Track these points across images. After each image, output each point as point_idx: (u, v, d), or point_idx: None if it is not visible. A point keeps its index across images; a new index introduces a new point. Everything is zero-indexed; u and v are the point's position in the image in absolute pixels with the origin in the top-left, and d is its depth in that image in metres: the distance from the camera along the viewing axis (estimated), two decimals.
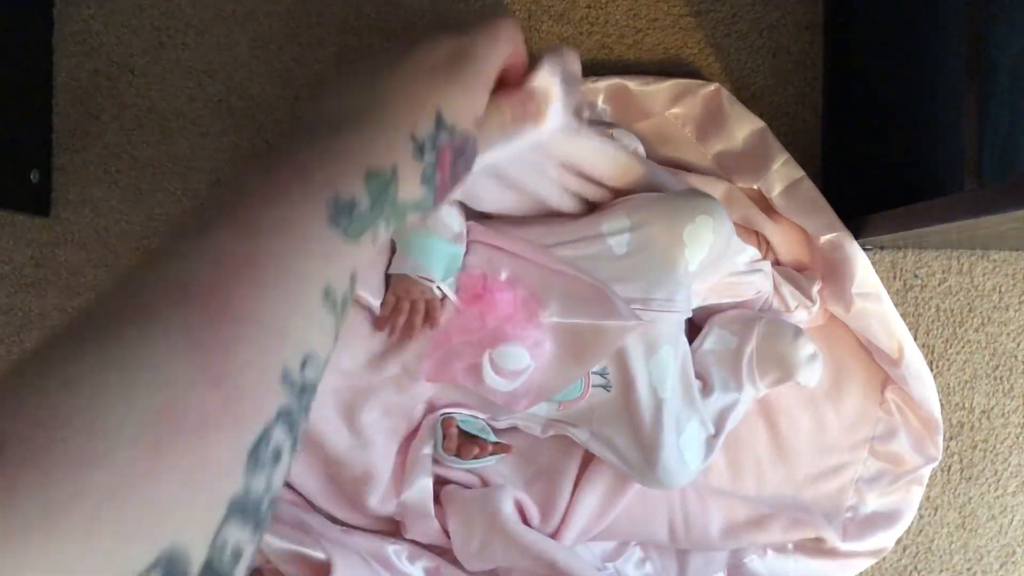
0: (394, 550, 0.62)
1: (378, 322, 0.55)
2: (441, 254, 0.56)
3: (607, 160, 0.61)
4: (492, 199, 0.61)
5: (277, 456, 0.28)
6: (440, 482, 0.63)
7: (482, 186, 0.60)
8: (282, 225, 0.31)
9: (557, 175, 0.62)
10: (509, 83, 0.44)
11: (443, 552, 0.64)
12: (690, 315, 0.62)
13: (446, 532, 0.62)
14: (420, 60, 0.38)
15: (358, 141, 0.35)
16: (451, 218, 0.58)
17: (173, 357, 0.26)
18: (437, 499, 0.62)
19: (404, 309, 0.55)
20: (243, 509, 0.26)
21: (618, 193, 0.66)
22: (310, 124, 0.35)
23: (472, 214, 0.63)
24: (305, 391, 0.29)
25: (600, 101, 0.70)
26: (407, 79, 0.37)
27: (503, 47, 0.41)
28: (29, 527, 0.21)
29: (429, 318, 0.56)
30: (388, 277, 0.58)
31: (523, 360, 0.57)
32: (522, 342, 0.56)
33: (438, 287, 0.56)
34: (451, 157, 0.39)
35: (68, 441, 0.23)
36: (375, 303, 0.55)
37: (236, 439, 0.26)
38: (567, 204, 0.63)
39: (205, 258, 0.29)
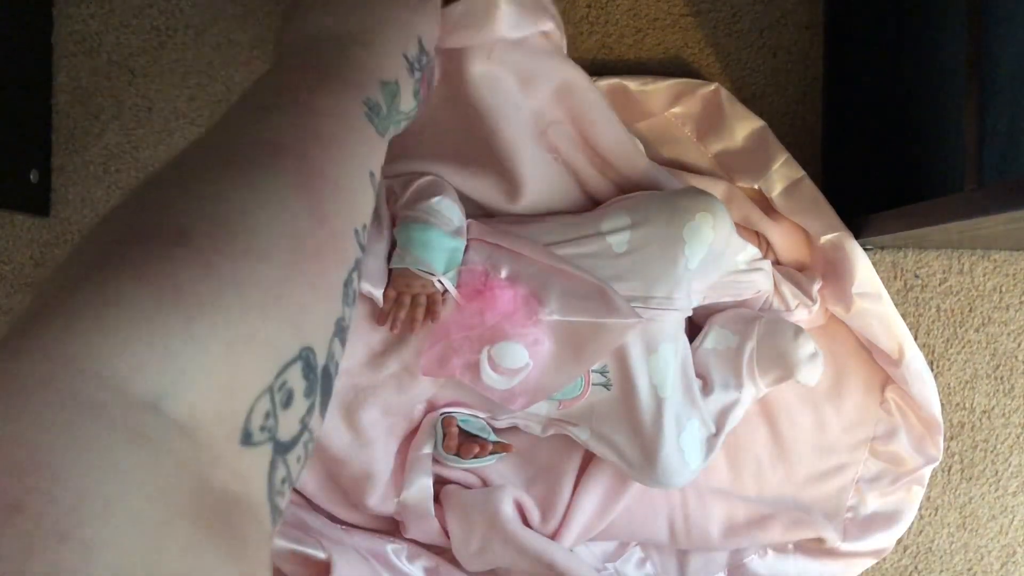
0: (393, 549, 0.62)
1: (379, 316, 0.55)
2: (442, 248, 0.56)
3: (616, 131, 0.63)
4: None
5: (354, 300, 0.32)
6: (440, 482, 0.63)
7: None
8: (335, 113, 0.35)
9: (566, 147, 0.62)
10: None
11: (442, 552, 0.64)
12: (690, 314, 0.62)
13: (446, 532, 0.62)
14: None
15: (373, 56, 0.41)
16: (452, 212, 0.58)
17: (288, 194, 0.29)
18: (437, 499, 0.62)
19: (405, 303, 0.55)
20: (341, 331, 0.30)
21: (618, 186, 0.66)
22: (315, 43, 0.40)
23: (472, 212, 0.63)
24: (360, 259, 0.33)
25: None
26: (395, 7, 0.43)
27: None
28: (220, 301, 0.24)
29: (430, 312, 0.56)
30: (389, 272, 0.57)
31: (521, 358, 0.57)
32: (521, 340, 0.56)
33: (439, 281, 0.56)
34: (428, 76, 0.46)
35: (239, 236, 0.26)
36: (377, 293, 0.55)
37: (336, 271, 0.30)
38: (567, 191, 0.63)
39: (275, 125, 0.32)
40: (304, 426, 0.27)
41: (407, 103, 0.43)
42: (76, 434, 0.19)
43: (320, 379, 0.28)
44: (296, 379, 0.27)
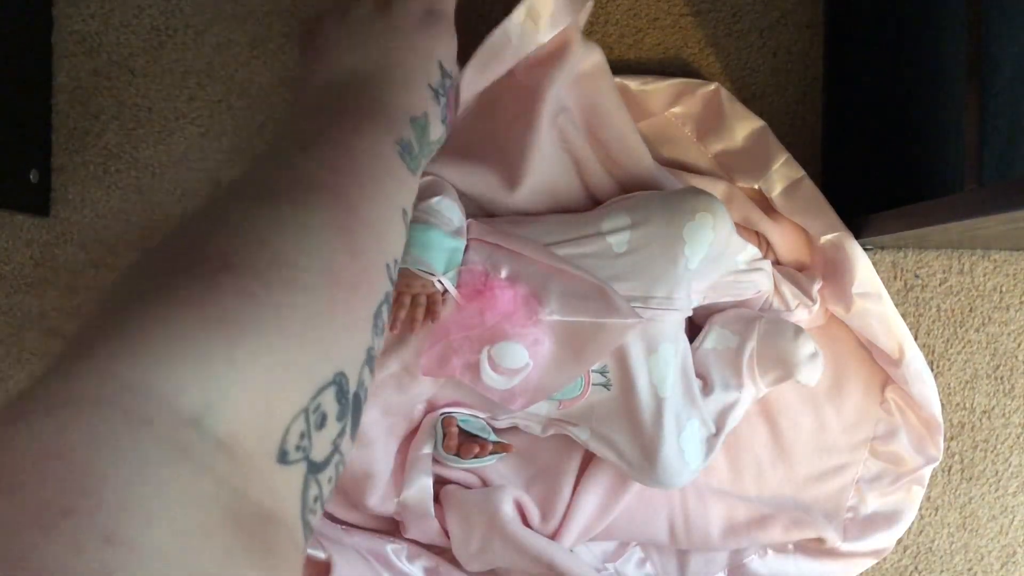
0: (393, 549, 0.62)
1: None
2: (442, 247, 0.56)
3: (625, 126, 0.64)
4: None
5: (382, 330, 0.34)
6: (440, 482, 0.63)
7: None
8: (370, 154, 0.37)
9: (573, 136, 0.63)
10: None
11: (442, 552, 0.64)
12: (690, 314, 0.62)
13: (446, 532, 0.62)
14: (408, 18, 0.44)
15: (400, 94, 0.41)
16: (452, 212, 0.58)
17: (327, 230, 0.31)
18: (437, 499, 0.62)
19: (405, 303, 0.55)
20: (371, 360, 0.32)
21: (619, 182, 0.66)
22: (338, 89, 0.41)
23: (470, 210, 0.63)
24: (390, 292, 0.34)
25: None
26: (411, 36, 0.43)
27: None
28: (260, 327, 0.26)
29: (430, 312, 0.56)
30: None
31: (521, 358, 0.57)
32: (521, 340, 0.56)
33: (439, 281, 0.56)
34: (453, 98, 0.46)
35: (280, 268, 0.28)
36: None
37: (367, 303, 0.32)
38: (567, 182, 0.64)
39: (318, 164, 0.34)
40: (336, 448, 0.29)
41: (436, 132, 0.44)
42: (124, 447, 0.21)
43: (352, 404, 0.30)
44: (330, 403, 0.28)
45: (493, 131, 0.66)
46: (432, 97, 0.43)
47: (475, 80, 0.61)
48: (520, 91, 0.64)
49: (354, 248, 0.32)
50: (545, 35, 0.61)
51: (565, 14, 0.61)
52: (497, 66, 0.61)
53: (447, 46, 0.46)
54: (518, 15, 0.59)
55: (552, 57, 0.63)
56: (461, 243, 0.58)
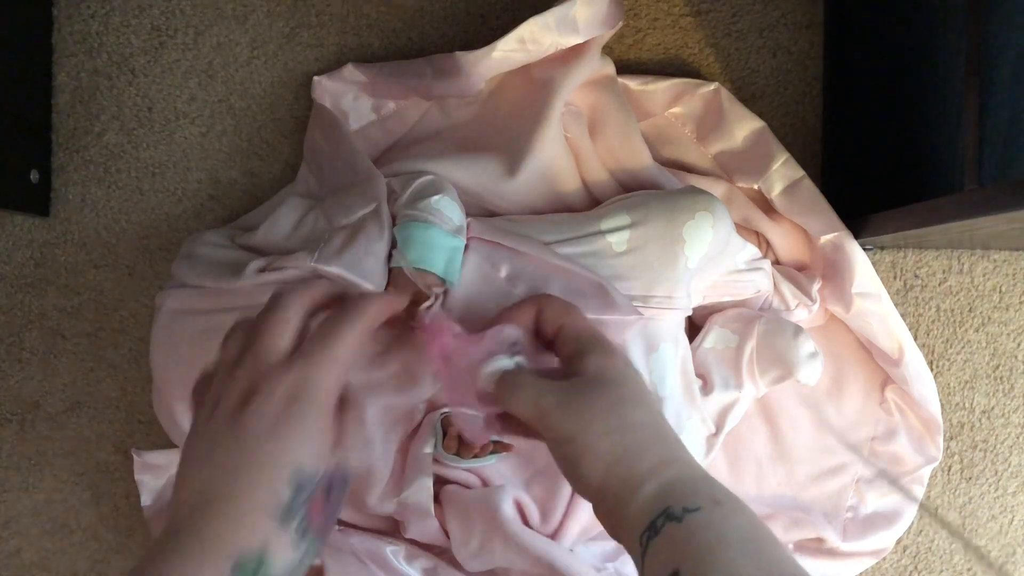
0: (392, 550, 0.62)
1: None
2: (442, 247, 0.56)
3: (627, 124, 0.65)
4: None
5: None
6: (440, 482, 0.63)
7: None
8: None
9: (575, 128, 0.64)
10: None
11: (442, 552, 0.64)
12: (690, 313, 0.62)
13: (445, 532, 0.62)
14: (263, 420, 0.39)
15: (224, 530, 0.37)
16: (452, 211, 0.58)
17: None
18: (437, 499, 0.62)
19: (405, 303, 0.55)
20: None
21: (618, 180, 0.66)
22: (184, 515, 0.38)
23: (471, 209, 0.63)
24: None
25: None
26: (261, 445, 0.39)
27: (344, 351, 0.42)
28: None
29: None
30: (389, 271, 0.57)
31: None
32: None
33: (440, 288, 0.56)
34: (322, 498, 0.40)
35: None
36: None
37: None
38: (566, 174, 0.64)
39: None
40: None
41: (285, 558, 0.38)
42: None
43: None
44: None
45: (499, 122, 0.66)
46: (278, 519, 0.38)
47: (511, 53, 0.63)
48: (533, 84, 0.65)
49: None
50: (578, 37, 0.63)
51: (599, 25, 0.64)
52: (533, 47, 0.63)
53: (307, 442, 0.40)
54: (573, 5, 0.61)
55: (569, 56, 0.64)
56: (461, 242, 0.58)
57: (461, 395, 0.51)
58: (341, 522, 0.64)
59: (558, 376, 0.47)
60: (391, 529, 0.65)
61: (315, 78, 0.70)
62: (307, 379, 0.41)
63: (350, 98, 0.71)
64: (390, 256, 0.57)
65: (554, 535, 0.62)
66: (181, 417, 0.58)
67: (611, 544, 0.68)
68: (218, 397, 0.41)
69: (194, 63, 0.74)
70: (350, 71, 0.70)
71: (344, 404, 0.43)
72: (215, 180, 0.74)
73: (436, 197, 0.57)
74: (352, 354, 0.43)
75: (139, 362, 0.74)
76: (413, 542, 0.64)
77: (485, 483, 0.63)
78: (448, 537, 0.62)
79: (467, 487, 0.63)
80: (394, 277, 0.56)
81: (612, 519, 0.43)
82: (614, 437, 0.43)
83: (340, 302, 0.45)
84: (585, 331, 0.49)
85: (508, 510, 0.60)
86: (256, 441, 0.39)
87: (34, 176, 0.72)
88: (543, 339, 0.51)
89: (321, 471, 0.40)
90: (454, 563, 0.64)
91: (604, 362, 0.46)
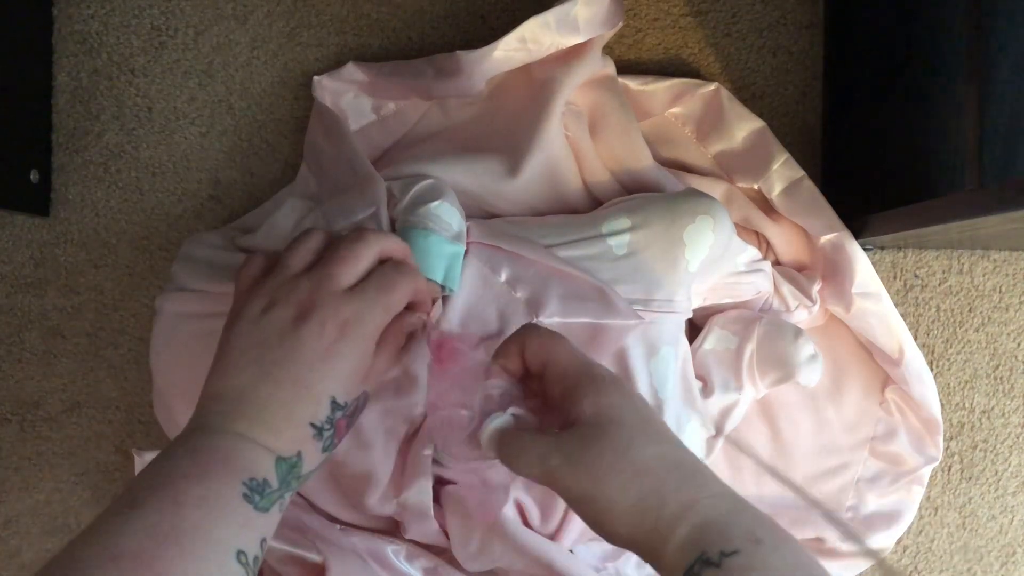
0: (393, 550, 0.62)
1: None
2: (441, 254, 0.56)
3: (628, 124, 0.66)
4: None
5: None
6: (440, 482, 0.63)
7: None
8: (203, 501, 0.38)
9: (576, 128, 0.64)
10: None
11: (442, 552, 0.64)
12: (690, 315, 0.62)
13: (445, 532, 0.62)
14: (315, 345, 0.43)
15: (268, 432, 0.42)
16: (451, 217, 0.58)
17: None
18: (437, 499, 0.62)
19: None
20: None
21: (618, 180, 0.66)
22: (222, 411, 0.42)
23: (471, 211, 0.63)
24: None
25: None
26: (309, 368, 0.43)
27: (397, 302, 0.48)
28: None
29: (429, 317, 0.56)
30: None
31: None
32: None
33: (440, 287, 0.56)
34: (346, 423, 0.46)
35: None
36: None
37: None
38: (567, 173, 0.64)
39: (135, 529, 0.36)
40: None
41: (312, 463, 0.44)
42: None
43: None
44: None
45: (499, 122, 0.66)
46: (313, 435, 0.43)
47: (512, 53, 0.63)
48: (533, 84, 0.65)
49: None
50: (578, 36, 0.63)
51: (599, 25, 0.64)
52: (534, 47, 0.63)
53: (349, 375, 0.45)
54: (573, 5, 0.61)
55: (570, 56, 0.64)
56: (461, 248, 0.58)
57: (457, 444, 0.53)
58: (342, 522, 0.64)
59: (557, 422, 0.46)
60: (392, 529, 0.65)
61: (315, 77, 0.70)
62: (362, 316, 0.45)
63: (350, 97, 0.71)
64: None
65: (554, 535, 0.62)
66: (181, 419, 0.58)
67: (611, 544, 0.68)
68: (274, 300, 0.45)
69: (194, 63, 0.74)
70: (350, 70, 0.70)
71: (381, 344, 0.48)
72: (215, 180, 0.74)
73: (435, 203, 0.57)
74: (402, 304, 0.48)
75: (139, 362, 0.74)
76: (414, 542, 0.64)
77: (485, 483, 0.63)
78: (448, 538, 0.62)
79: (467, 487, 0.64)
80: None
81: (653, 566, 0.42)
82: (631, 489, 0.41)
83: (405, 259, 0.50)
84: (571, 367, 0.46)
85: (508, 510, 0.60)
86: (308, 361, 0.43)
87: (34, 176, 0.72)
88: (533, 376, 0.49)
89: (353, 395, 0.46)
90: (454, 563, 0.64)
91: (599, 401, 0.44)
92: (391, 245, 0.50)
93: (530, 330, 0.49)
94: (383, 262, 0.49)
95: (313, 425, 0.43)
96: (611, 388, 0.45)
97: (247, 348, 0.44)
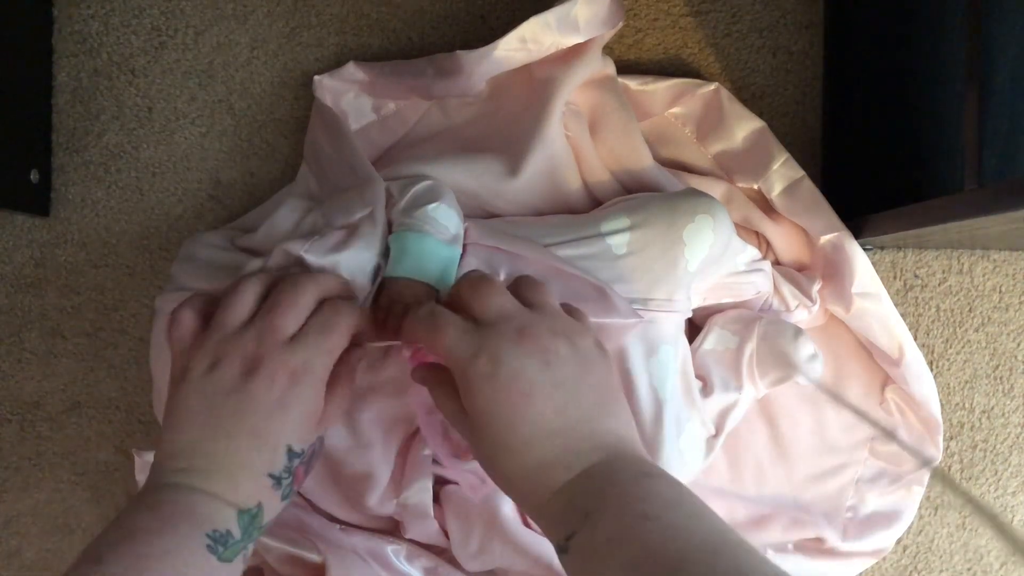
0: (393, 550, 0.62)
1: (371, 326, 0.54)
2: (437, 257, 0.56)
3: (628, 124, 0.66)
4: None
5: None
6: (440, 482, 0.63)
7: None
8: (167, 554, 0.38)
9: (576, 128, 0.64)
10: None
11: (442, 552, 0.64)
12: (690, 315, 0.62)
13: (445, 532, 0.62)
14: (266, 396, 0.44)
15: (227, 486, 0.42)
16: (448, 219, 0.57)
17: None
18: (437, 499, 0.62)
19: (397, 312, 0.55)
20: None
21: (618, 180, 0.66)
22: (180, 468, 0.43)
23: (470, 211, 0.63)
24: None
25: None
26: (263, 419, 0.44)
27: (339, 343, 0.47)
28: None
29: None
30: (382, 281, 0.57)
31: None
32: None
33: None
34: (304, 469, 0.47)
35: None
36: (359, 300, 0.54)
37: None
38: (567, 172, 0.64)
39: None
40: None
41: (272, 511, 0.45)
42: None
43: None
44: None
45: (500, 122, 0.67)
46: (272, 485, 0.44)
47: (512, 52, 0.63)
48: (533, 84, 0.65)
49: None
50: (579, 36, 0.63)
51: (600, 24, 0.64)
52: (534, 47, 0.63)
53: (303, 423, 0.45)
54: (573, 5, 0.62)
55: (570, 56, 0.64)
56: (457, 251, 0.57)
57: (434, 436, 0.56)
58: (342, 522, 0.64)
59: None
60: (392, 529, 0.65)
61: (316, 77, 0.70)
62: (309, 363, 0.45)
63: (350, 97, 0.71)
64: (383, 263, 0.56)
65: None
66: None
67: None
68: (219, 358, 0.45)
69: (194, 63, 0.74)
70: (351, 70, 0.70)
71: (331, 389, 0.48)
72: (215, 180, 0.74)
73: (433, 205, 0.57)
74: (346, 341, 0.48)
75: (139, 362, 0.74)
76: (414, 542, 0.64)
77: (485, 483, 0.63)
78: (448, 537, 0.62)
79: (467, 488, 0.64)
80: (387, 286, 0.55)
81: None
82: (506, 491, 0.46)
83: (347, 296, 0.50)
84: (451, 363, 0.45)
85: (508, 511, 0.60)
86: (259, 415, 0.43)
87: (34, 176, 0.72)
88: None
89: (308, 444, 0.46)
90: (454, 563, 0.64)
91: (470, 403, 0.44)
92: (328, 284, 0.49)
93: (409, 318, 0.48)
94: (323, 301, 0.49)
95: (271, 475, 0.44)
96: (482, 388, 0.43)
97: (198, 405, 0.44)
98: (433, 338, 0.45)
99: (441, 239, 0.56)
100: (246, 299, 0.47)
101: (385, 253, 0.57)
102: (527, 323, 0.45)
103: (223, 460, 0.43)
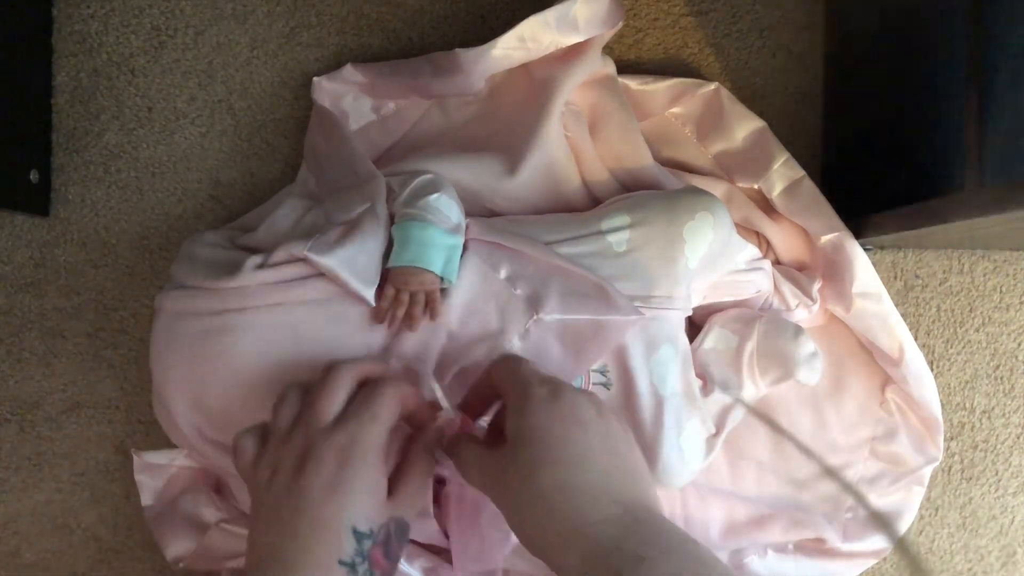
0: None
1: (377, 314, 0.55)
2: (440, 245, 0.56)
3: (628, 124, 0.66)
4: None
5: None
6: (440, 482, 0.63)
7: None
8: None
9: (575, 128, 0.64)
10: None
11: (441, 552, 0.64)
12: (690, 313, 0.62)
13: (445, 532, 0.62)
14: (317, 485, 0.43)
15: None
16: (450, 209, 0.58)
17: None
18: (437, 499, 0.62)
19: (404, 301, 0.55)
20: None
21: (618, 179, 0.66)
22: (261, 571, 0.43)
23: (471, 209, 0.63)
24: None
25: None
26: (318, 508, 0.43)
27: (390, 414, 0.47)
28: None
29: (429, 309, 0.56)
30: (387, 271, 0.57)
31: None
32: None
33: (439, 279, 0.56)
34: (383, 551, 0.45)
35: None
36: (368, 293, 0.54)
37: None
38: (566, 172, 0.64)
39: None
40: None
41: None
42: None
43: None
44: None
45: (499, 121, 0.67)
46: (347, 573, 0.43)
47: (511, 51, 0.63)
48: (533, 83, 0.65)
49: None
50: (578, 36, 0.63)
51: (599, 24, 0.64)
52: (533, 45, 0.63)
53: (364, 500, 0.44)
54: (573, 4, 0.62)
55: (569, 56, 0.64)
56: (459, 240, 0.58)
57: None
58: None
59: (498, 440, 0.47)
60: None
61: (314, 79, 0.70)
62: (355, 439, 0.45)
63: (350, 98, 0.71)
64: (387, 255, 0.57)
65: None
66: (180, 419, 0.58)
67: None
68: (276, 463, 0.45)
69: (194, 63, 0.74)
70: (349, 72, 0.70)
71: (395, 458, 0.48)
72: (215, 180, 0.74)
73: (434, 195, 0.57)
74: (393, 414, 0.47)
75: (139, 362, 0.74)
76: (413, 542, 0.64)
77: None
78: (447, 538, 0.62)
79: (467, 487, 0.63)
80: (392, 275, 0.56)
81: None
82: (527, 516, 0.43)
83: (387, 376, 0.50)
84: (510, 386, 0.47)
85: None
86: (315, 502, 0.43)
87: (34, 176, 0.72)
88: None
89: (379, 522, 0.44)
90: None
91: (519, 423, 0.44)
92: (366, 368, 0.49)
93: (496, 360, 0.50)
94: (363, 385, 0.49)
95: (342, 563, 0.42)
96: (538, 408, 0.44)
97: (267, 512, 0.45)
98: (515, 367, 0.47)
99: (444, 228, 0.57)
100: (291, 402, 0.48)
101: (388, 244, 0.57)
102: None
103: (295, 558, 0.42)
